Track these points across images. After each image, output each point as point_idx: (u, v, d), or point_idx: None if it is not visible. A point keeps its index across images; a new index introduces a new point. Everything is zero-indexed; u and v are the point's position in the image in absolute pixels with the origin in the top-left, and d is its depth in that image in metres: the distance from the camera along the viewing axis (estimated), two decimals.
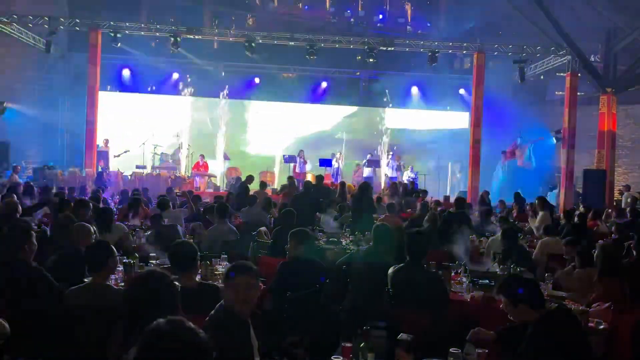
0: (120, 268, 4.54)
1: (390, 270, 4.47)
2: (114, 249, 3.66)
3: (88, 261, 3.60)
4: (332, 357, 2.88)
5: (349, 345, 3.03)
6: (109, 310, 3.30)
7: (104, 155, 16.30)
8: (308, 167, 16.91)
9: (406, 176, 16.99)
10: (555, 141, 16.12)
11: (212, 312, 2.88)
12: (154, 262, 4.94)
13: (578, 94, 16.52)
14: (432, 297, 4.22)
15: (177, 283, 3.72)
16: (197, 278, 4.65)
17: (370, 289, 4.96)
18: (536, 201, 9.80)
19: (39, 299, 3.65)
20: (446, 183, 18.84)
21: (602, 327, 3.98)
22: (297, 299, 4.51)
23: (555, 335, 2.88)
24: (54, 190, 10.21)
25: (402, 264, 4.43)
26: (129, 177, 15.06)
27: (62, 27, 15.37)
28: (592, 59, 16.73)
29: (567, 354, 2.85)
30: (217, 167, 16.94)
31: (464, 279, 5.24)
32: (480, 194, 12.47)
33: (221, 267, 4.96)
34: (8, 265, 3.76)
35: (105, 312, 3.31)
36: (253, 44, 15.29)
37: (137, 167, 16.39)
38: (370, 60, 15.42)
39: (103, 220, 6.17)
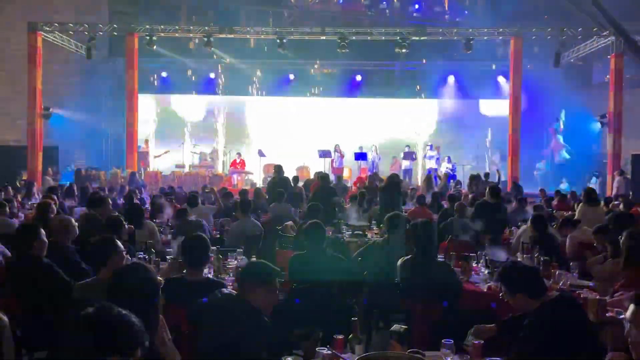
0: None
1: (400, 261, 4.39)
2: (120, 244, 3.73)
3: (94, 256, 3.70)
4: (316, 349, 2.85)
5: (340, 337, 2.99)
6: None
7: (144, 156, 16.76)
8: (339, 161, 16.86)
9: (444, 167, 16.67)
10: (600, 126, 15.41)
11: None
12: (169, 257, 5.03)
13: (626, 76, 15.75)
14: (443, 288, 4.11)
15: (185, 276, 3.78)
16: (210, 272, 4.73)
17: (386, 280, 4.89)
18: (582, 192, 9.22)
19: (49, 293, 3.78)
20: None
21: (622, 317, 3.77)
22: (308, 292, 4.48)
23: (554, 324, 2.75)
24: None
25: (410, 255, 4.34)
26: (168, 176, 15.42)
27: (101, 33, 15.88)
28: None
29: (567, 344, 2.71)
30: (255, 164, 17.12)
31: (484, 269, 5.09)
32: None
33: (235, 261, 5.00)
34: (20, 260, 3.92)
35: None
36: (284, 41, 15.34)
37: (176, 166, 16.78)
38: (403, 50, 15.18)
39: (133, 216, 6.37)
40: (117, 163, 17.23)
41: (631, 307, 2.35)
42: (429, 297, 4.00)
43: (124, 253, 3.79)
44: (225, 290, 3.13)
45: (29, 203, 10.72)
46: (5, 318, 2.80)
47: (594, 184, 15.01)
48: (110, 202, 8.02)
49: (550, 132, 17.52)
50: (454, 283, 4.26)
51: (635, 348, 2.31)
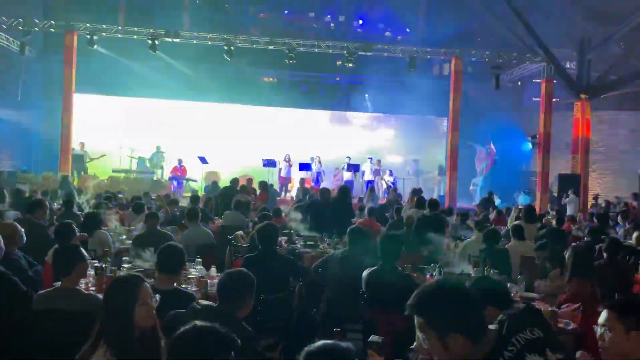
0: (92, 272, 4.47)
1: (365, 272, 4.49)
2: (85, 253, 3.60)
3: (57, 265, 3.54)
4: None
5: None
6: (78, 314, 3.25)
7: (79, 159, 16.05)
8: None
9: (386, 179, 17.07)
10: (531, 146, 16.37)
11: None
12: (126, 265, 4.88)
13: (554, 100, 16.80)
14: (406, 299, 4.23)
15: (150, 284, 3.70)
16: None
17: (345, 291, 4.97)
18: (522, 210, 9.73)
19: (7, 302, 3.58)
20: (425, 187, 18.94)
21: (571, 327, 4.04)
22: (269, 302, 4.48)
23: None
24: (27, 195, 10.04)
25: (376, 267, 4.45)
26: (105, 181, 14.86)
27: (36, 29, 15.11)
28: (568, 65, 17.02)
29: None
30: (196, 171, 16.80)
31: None
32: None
33: (194, 271, 4.92)
34: None
35: (74, 316, 3.26)
36: (232, 48, 15.26)
37: (114, 171, 16.19)
38: (349, 64, 15.48)
39: (88, 224, 6.14)
40: (49, 165, 16.39)
41: (604, 312, 2.51)
42: (394, 308, 4.11)
43: (89, 262, 3.65)
44: (203, 302, 3.09)
45: None
46: None
47: (524, 201, 15.85)
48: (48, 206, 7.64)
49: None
50: None
51: (607, 352, 2.47)
